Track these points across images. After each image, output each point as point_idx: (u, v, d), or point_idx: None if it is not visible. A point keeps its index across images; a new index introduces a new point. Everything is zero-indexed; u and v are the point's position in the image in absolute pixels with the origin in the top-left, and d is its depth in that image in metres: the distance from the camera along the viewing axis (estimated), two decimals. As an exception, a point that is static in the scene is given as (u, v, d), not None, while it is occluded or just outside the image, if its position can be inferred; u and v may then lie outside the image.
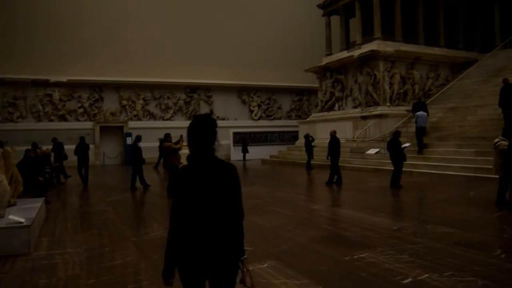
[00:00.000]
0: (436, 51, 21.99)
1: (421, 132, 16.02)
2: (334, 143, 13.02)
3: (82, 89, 25.56)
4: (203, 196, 2.27)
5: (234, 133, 27.98)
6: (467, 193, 10.22)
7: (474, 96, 18.59)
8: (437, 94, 20.43)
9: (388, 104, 19.82)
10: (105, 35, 25.98)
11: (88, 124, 25.60)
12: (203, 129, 2.39)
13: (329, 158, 13.17)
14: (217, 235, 2.26)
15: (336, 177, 12.85)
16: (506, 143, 8.23)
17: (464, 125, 16.48)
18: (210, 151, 2.36)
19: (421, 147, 15.91)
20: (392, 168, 11.72)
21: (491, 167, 12.39)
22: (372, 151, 14.78)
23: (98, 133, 25.70)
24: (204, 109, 28.64)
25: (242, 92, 29.99)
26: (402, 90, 20.41)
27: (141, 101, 26.97)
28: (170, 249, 2.32)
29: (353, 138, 19.38)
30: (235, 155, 27.46)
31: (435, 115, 18.10)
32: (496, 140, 8.55)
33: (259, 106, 30.49)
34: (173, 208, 2.33)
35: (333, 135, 13.22)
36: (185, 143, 15.91)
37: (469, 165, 13.18)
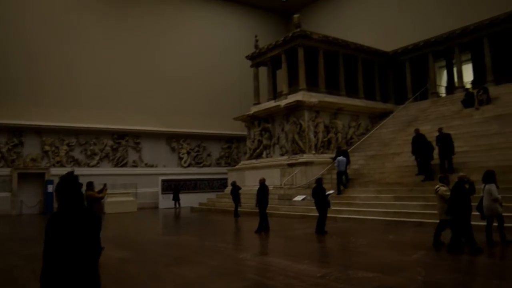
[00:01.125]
0: (357, 102, 23.47)
1: (340, 176, 16.96)
2: (263, 190, 13.21)
3: (0, 133, 24.09)
4: (64, 241, 2.74)
5: (163, 181, 27.50)
6: (387, 237, 10.69)
7: (391, 145, 19.89)
8: (358, 143, 21.61)
9: (313, 152, 20.60)
10: (28, 77, 24.95)
11: (5, 171, 23.96)
12: (66, 185, 2.95)
13: (257, 205, 13.30)
14: (75, 274, 2.73)
15: (264, 224, 12.96)
16: (445, 188, 8.87)
17: (383, 171, 17.45)
18: (74, 203, 2.90)
19: (339, 191, 16.83)
20: (318, 214, 12.05)
21: (408, 211, 13.25)
22: (299, 197, 15.11)
23: (16, 180, 24.05)
24: (132, 156, 28.05)
25: (172, 139, 29.82)
26: (326, 139, 21.35)
27: (65, 147, 25.84)
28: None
29: (281, 185, 19.77)
30: (164, 203, 26.89)
31: (357, 162, 19.04)
32: (436, 186, 9.16)
33: (188, 153, 30.39)
34: (44, 251, 2.79)
35: (262, 182, 13.44)
36: (109, 191, 15.41)
37: (388, 210, 13.88)
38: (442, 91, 25.79)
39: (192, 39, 31.90)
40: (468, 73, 24.25)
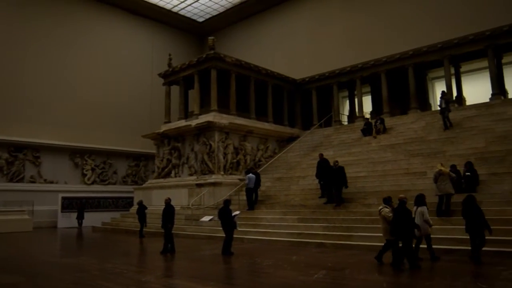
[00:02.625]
0: (266, 126, 24.22)
1: (250, 193, 17.37)
2: (169, 210, 13.03)
3: None
4: None
5: (63, 198, 25.86)
6: (291, 257, 11.03)
7: (297, 168, 20.75)
8: (266, 165, 22.22)
9: (222, 172, 20.79)
10: None
11: None
12: None
13: (163, 226, 13.06)
14: None
15: (169, 245, 12.74)
16: (388, 209, 9.43)
17: (288, 193, 18.09)
18: None
19: (251, 206, 17.30)
20: (224, 235, 12.14)
21: (311, 232, 13.83)
22: (206, 218, 15.12)
23: None
24: (30, 171, 26.12)
25: (76, 154, 28.20)
26: (235, 160, 21.68)
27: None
28: None
29: (188, 205, 19.61)
30: (63, 222, 25.27)
31: (264, 184, 19.53)
32: (380, 207, 9.70)
33: (93, 169, 28.96)
34: None
35: (167, 202, 13.26)
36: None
37: (292, 231, 14.36)
38: (345, 119, 27.64)
39: (103, 51, 30.91)
40: (367, 104, 26.31)
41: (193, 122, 21.93)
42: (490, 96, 20.30)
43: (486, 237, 9.17)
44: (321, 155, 17.01)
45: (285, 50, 31.98)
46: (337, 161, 15.77)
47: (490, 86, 20.40)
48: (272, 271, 9.22)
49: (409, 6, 25.83)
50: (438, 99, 21.84)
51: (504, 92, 21.46)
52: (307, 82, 27.16)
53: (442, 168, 12.27)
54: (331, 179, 15.46)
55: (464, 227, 9.48)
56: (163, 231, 13.08)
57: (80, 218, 24.91)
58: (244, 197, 17.88)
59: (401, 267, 8.91)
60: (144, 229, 18.12)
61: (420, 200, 9.91)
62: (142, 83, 32.08)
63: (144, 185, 24.63)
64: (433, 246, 10.01)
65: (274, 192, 18.93)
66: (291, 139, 25.12)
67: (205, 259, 11.69)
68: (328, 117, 26.05)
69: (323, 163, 16.43)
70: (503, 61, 22.10)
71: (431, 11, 24.75)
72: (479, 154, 15.22)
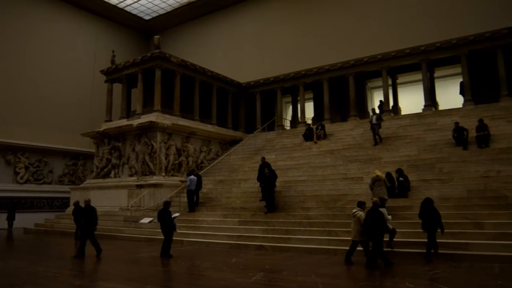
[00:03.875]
0: (209, 128, 24.18)
1: (191, 194, 17.33)
2: (91, 212, 12.36)
3: None
4: None
5: (-10, 197, 24.42)
6: (230, 260, 11.12)
7: (239, 171, 20.90)
8: (208, 167, 22.19)
9: (164, 174, 20.52)
10: None
11: None
12: None
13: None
14: None
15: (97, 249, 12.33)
16: (362, 213, 10.01)
17: (230, 196, 18.18)
18: None
19: (192, 209, 17.29)
20: (164, 238, 12.02)
21: (250, 234, 13.99)
22: (146, 220, 14.88)
23: None
24: (-48, 169, 24.37)
25: (7, 151, 26.48)
26: (177, 162, 21.47)
27: None
28: None
29: (128, 206, 19.19)
30: (-10, 223, 23.82)
31: (205, 186, 19.50)
32: (354, 210, 10.21)
33: (26, 168, 27.37)
34: None
35: (87, 204, 12.56)
36: None
37: (232, 234, 14.45)
38: (287, 124, 28.19)
39: (41, 43, 29.44)
40: (310, 110, 26.99)
41: (135, 122, 21.49)
42: (423, 107, 21.51)
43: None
44: (263, 159, 17.24)
45: (231, 53, 32.13)
46: (267, 169, 15.89)
47: (423, 98, 21.62)
48: (211, 273, 9.26)
49: (353, 18, 26.83)
50: (377, 108, 22.94)
51: (435, 103, 22.84)
52: (252, 86, 27.46)
53: (380, 174, 12.88)
54: (275, 180, 15.85)
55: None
56: (102, 232, 12.65)
57: (10, 219, 23.59)
58: (185, 199, 17.78)
59: (376, 266, 9.39)
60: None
61: (381, 202, 10.96)
62: (84, 80, 30.95)
63: (81, 185, 23.74)
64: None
65: (216, 194, 18.95)
66: (234, 142, 25.26)
67: (143, 262, 11.51)
68: (272, 122, 26.47)
69: (264, 166, 16.65)
70: (435, 75, 23.56)
71: (373, 24, 25.86)
72: (412, 162, 16.09)
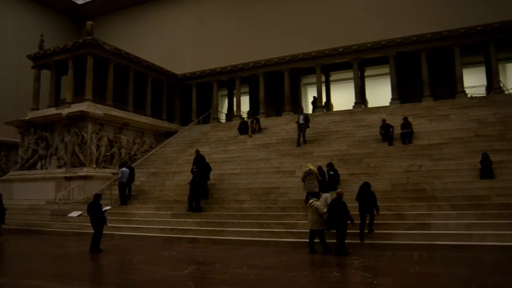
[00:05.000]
0: (143, 119, 23.65)
1: (123, 187, 16.96)
2: None
3: None
4: None
5: None
6: (163, 253, 11.05)
7: (173, 163, 20.69)
8: (142, 159, 21.75)
9: (94, 166, 19.82)
10: None
11: None
12: None
13: None
14: None
15: None
16: (319, 203, 10.77)
17: (163, 189, 17.97)
18: None
19: (124, 201, 16.92)
20: (93, 232, 11.69)
21: (184, 227, 13.96)
22: (75, 213, 14.40)
23: None
24: None
25: None
26: (109, 153, 20.81)
27: None
28: None
29: (55, 199, 18.39)
30: None
31: (138, 179, 19.12)
32: (311, 201, 10.89)
33: None
34: None
35: None
36: None
37: (165, 227, 14.34)
38: (223, 117, 28.28)
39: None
40: (245, 104, 27.24)
41: (65, 111, 20.53)
42: (353, 104, 22.45)
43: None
44: (197, 151, 17.19)
45: (169, 44, 31.61)
46: (195, 167, 15.94)
47: (354, 95, 22.57)
48: (142, 267, 9.17)
49: (290, 15, 27.40)
50: (310, 104, 23.65)
51: (365, 101, 23.95)
52: (188, 78, 27.18)
53: (312, 168, 13.35)
54: (208, 173, 15.96)
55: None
56: (28, 227, 12.05)
57: None
58: (117, 192, 17.34)
59: (347, 252, 10.06)
60: (2, 226, 16.48)
61: (313, 195, 11.74)
62: (8, 64, 29.06)
63: (4, 177, 22.32)
64: (298, 240, 10.97)
65: (149, 187, 18.66)
66: (169, 134, 24.91)
67: (71, 257, 11.13)
68: (207, 114, 26.42)
69: (199, 159, 16.62)
70: (366, 73, 24.66)
71: (309, 22, 26.56)
72: (342, 156, 16.79)
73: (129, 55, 23.25)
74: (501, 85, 20.50)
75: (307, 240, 11.08)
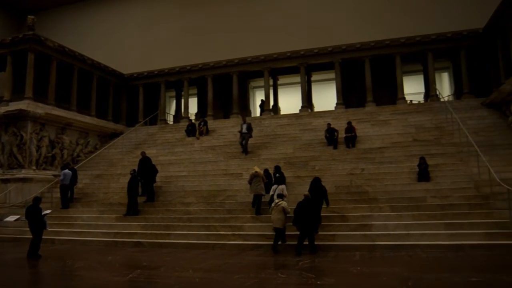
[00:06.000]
0: (87, 119, 22.89)
1: (65, 190, 16.35)
2: None
3: None
4: None
5: None
6: (106, 258, 10.78)
7: (118, 165, 20.21)
8: (85, 161, 21.05)
9: (34, 167, 18.95)
10: None
11: None
12: None
13: None
14: None
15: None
16: (285, 202, 11.27)
17: (108, 191, 17.51)
18: None
19: (65, 205, 16.32)
20: (32, 237, 11.20)
21: (128, 231, 13.69)
22: (12, 218, 13.67)
23: None
24: None
25: None
26: (50, 154, 19.99)
27: None
28: None
29: (-10, 202, 17.46)
30: None
31: (81, 181, 18.51)
32: (276, 201, 11.31)
33: None
34: None
35: None
36: None
37: (109, 230, 13.99)
38: (170, 119, 27.97)
39: None
40: (193, 105, 27.09)
41: (2, 109, 19.47)
42: (300, 108, 22.93)
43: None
44: (143, 153, 16.91)
45: (116, 42, 30.84)
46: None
47: (301, 99, 23.06)
48: (84, 273, 8.91)
49: (242, 17, 27.65)
50: (258, 107, 23.90)
51: (311, 105, 24.53)
52: (135, 78, 26.63)
53: (258, 170, 13.55)
54: (155, 175, 15.81)
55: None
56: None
57: None
58: (59, 195, 16.69)
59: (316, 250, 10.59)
60: None
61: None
62: None
63: None
64: (245, 242, 11.11)
65: (92, 189, 18.11)
66: (115, 135, 24.30)
67: (6, 264, 10.61)
68: (154, 115, 26.00)
69: (145, 161, 16.36)
70: (313, 78, 25.28)
71: (259, 26, 26.90)
72: (288, 159, 17.11)
73: (73, 53, 22.45)
74: (437, 92, 21.64)
75: (254, 242, 11.21)
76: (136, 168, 16.08)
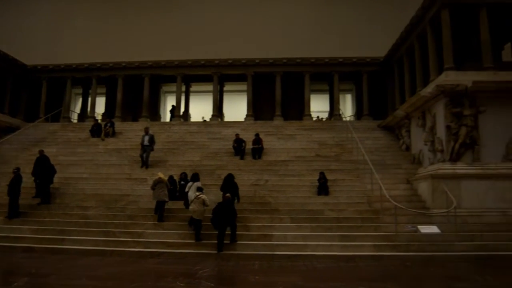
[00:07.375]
0: (-20, 111, 20.98)
1: None
2: None
3: None
4: None
5: None
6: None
7: (12, 163, 18.63)
8: (-28, 156, 19.24)
9: None
10: None
11: None
12: None
13: None
14: None
15: None
16: (205, 196, 12.10)
17: (-5, 191, 16.10)
18: None
19: None
20: None
21: (17, 235, 12.70)
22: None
23: None
24: None
25: None
26: None
27: None
28: None
29: None
30: None
31: (-34, 179, 16.87)
32: (197, 193, 12.15)
33: None
34: None
35: None
36: None
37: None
38: (75, 117, 26.53)
39: None
40: (101, 105, 26.00)
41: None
42: (210, 116, 23.10)
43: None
44: (41, 152, 15.85)
45: (22, 30, 28.64)
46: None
47: (212, 108, 23.24)
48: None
49: (161, 21, 27.52)
50: (168, 112, 23.66)
51: (221, 114, 24.83)
52: (39, 71, 24.89)
53: (162, 176, 13.41)
54: (52, 176, 14.97)
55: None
56: None
57: None
58: None
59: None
60: None
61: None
62: None
63: None
64: (145, 250, 10.97)
65: (-21, 188, 16.56)
66: (10, 129, 22.43)
67: None
68: (57, 112, 24.51)
69: (43, 160, 15.36)
70: (225, 88, 25.63)
71: (178, 31, 26.83)
72: (195, 167, 17.08)
73: (-35, 36, 20.54)
74: (341, 112, 23.09)
75: (155, 250, 11.07)
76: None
